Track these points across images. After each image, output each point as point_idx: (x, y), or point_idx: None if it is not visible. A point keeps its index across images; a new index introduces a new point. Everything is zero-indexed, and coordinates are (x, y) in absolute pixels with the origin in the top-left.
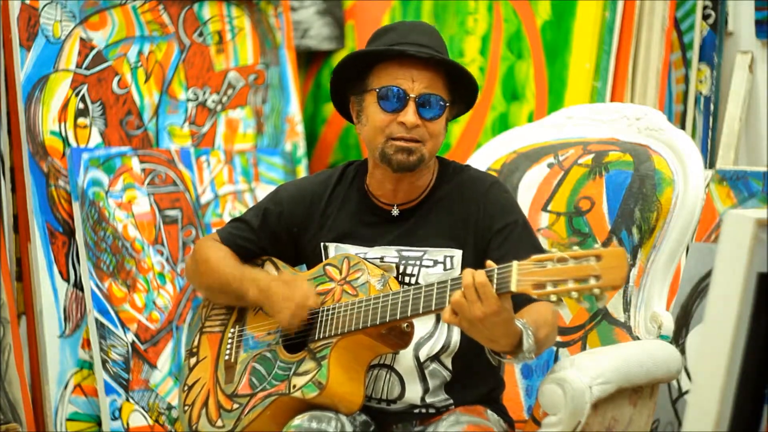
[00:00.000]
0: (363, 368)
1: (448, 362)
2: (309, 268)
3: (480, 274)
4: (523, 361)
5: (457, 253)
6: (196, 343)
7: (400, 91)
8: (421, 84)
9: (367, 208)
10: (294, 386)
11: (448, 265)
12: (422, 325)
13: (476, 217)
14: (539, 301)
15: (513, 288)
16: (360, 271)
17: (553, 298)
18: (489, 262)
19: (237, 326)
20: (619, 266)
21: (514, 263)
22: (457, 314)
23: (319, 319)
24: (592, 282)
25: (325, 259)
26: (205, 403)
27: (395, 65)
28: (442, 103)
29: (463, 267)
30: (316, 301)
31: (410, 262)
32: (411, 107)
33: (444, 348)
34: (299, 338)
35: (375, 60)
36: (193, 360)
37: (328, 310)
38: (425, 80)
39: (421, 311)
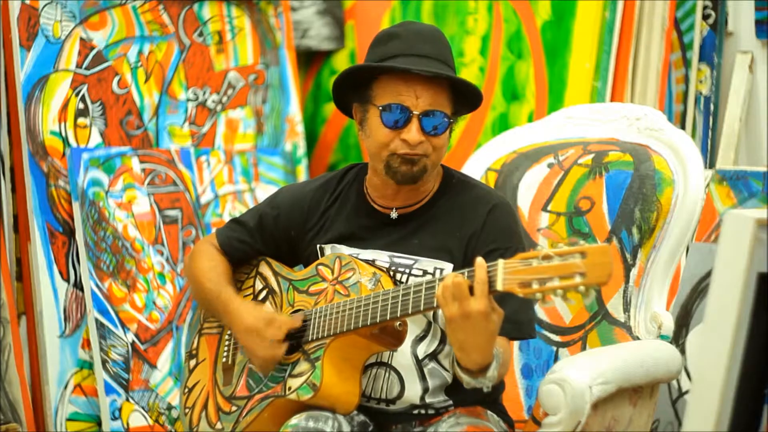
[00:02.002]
0: (358, 368)
1: (447, 363)
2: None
3: (456, 276)
4: (479, 386)
5: (448, 267)
6: (195, 345)
7: (404, 109)
8: (425, 101)
9: (365, 210)
10: (289, 388)
11: (437, 277)
12: (417, 324)
13: (474, 236)
14: (502, 336)
15: (499, 287)
16: (351, 271)
17: (539, 296)
18: (479, 259)
19: None
20: (605, 263)
21: (500, 261)
22: (444, 300)
23: (313, 320)
24: (578, 279)
25: None
26: (205, 406)
27: (399, 80)
28: (446, 119)
29: None
30: (282, 352)
31: (400, 268)
32: (414, 124)
33: (440, 348)
34: (294, 339)
35: (379, 71)
36: (192, 362)
37: (320, 311)
38: (429, 97)
39: (410, 311)
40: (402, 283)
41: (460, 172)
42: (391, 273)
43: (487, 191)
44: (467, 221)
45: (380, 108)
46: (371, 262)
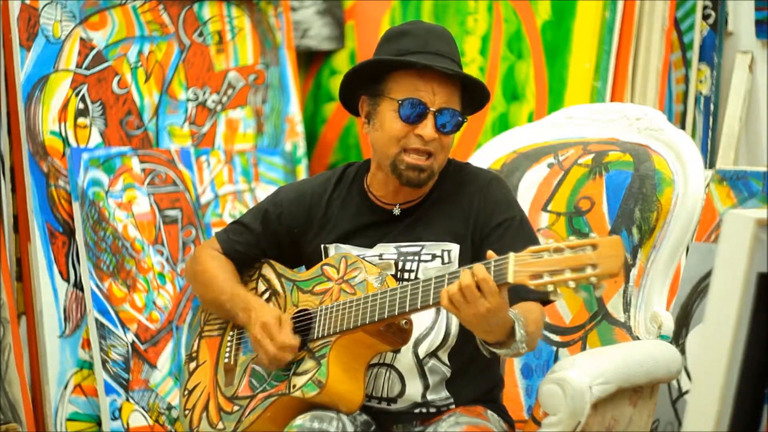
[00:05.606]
0: (363, 367)
1: (446, 357)
2: (308, 270)
3: (480, 270)
4: (514, 353)
5: (455, 248)
6: (195, 347)
7: (422, 104)
8: (442, 98)
9: (368, 208)
10: (294, 386)
11: (446, 259)
12: (421, 322)
13: (475, 213)
14: (529, 300)
15: (510, 279)
16: (357, 270)
17: (550, 288)
18: (490, 253)
19: (236, 329)
20: (616, 255)
21: (511, 255)
22: (456, 306)
23: (318, 318)
24: (589, 271)
25: None
26: (206, 407)
27: (416, 76)
28: (459, 118)
29: (460, 261)
30: (293, 352)
31: (408, 257)
32: (430, 121)
33: (442, 342)
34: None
35: (395, 66)
36: (192, 364)
37: (326, 309)
38: (445, 94)
39: (419, 306)
40: (411, 271)
41: (453, 159)
42: (400, 264)
43: (478, 169)
44: (467, 201)
45: (399, 102)
46: (379, 257)
